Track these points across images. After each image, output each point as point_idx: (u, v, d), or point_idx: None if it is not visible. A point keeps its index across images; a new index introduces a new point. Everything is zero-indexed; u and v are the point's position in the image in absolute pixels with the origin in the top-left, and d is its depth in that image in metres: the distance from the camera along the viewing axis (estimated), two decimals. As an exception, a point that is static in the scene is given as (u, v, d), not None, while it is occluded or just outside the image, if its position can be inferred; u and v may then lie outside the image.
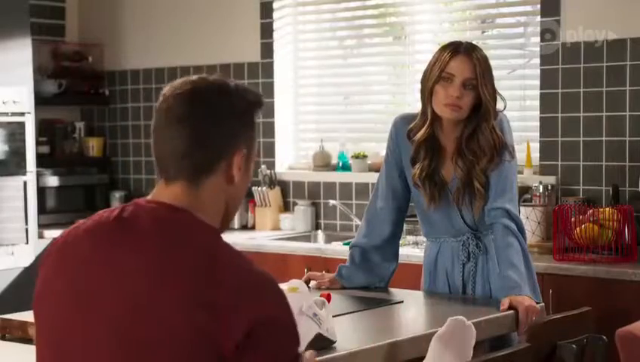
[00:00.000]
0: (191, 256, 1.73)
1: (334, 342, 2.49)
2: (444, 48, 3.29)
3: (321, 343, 2.45)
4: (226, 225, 1.91)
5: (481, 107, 3.23)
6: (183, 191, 1.82)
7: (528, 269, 3.22)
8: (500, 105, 3.32)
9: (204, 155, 1.82)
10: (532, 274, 3.27)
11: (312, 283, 3.44)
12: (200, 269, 1.71)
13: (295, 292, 2.43)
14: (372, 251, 3.47)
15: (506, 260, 3.17)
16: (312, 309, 2.45)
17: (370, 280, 3.47)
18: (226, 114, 1.83)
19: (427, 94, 3.27)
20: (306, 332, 2.39)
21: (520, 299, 3.06)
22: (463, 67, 3.22)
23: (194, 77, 1.88)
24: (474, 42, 3.39)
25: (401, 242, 3.57)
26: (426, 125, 3.28)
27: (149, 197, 1.86)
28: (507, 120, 3.34)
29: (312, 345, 2.38)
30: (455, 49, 3.25)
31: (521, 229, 3.25)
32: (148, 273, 1.72)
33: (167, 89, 1.86)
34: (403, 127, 3.38)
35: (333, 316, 2.70)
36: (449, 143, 3.32)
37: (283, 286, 2.44)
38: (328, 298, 2.62)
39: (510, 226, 3.20)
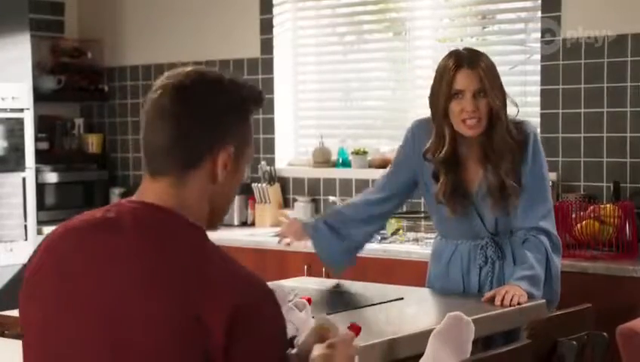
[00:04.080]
0: (175, 259, 1.70)
1: None
2: (446, 61, 3.24)
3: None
4: (213, 225, 1.85)
5: (493, 114, 3.22)
6: (167, 187, 1.79)
7: (548, 271, 3.24)
8: (512, 109, 3.31)
9: (187, 151, 1.78)
10: (551, 278, 3.27)
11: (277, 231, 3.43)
12: (184, 272, 1.69)
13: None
14: (348, 222, 3.44)
15: (524, 261, 3.21)
16: (290, 312, 2.42)
17: (334, 244, 3.44)
18: (213, 110, 1.78)
19: (441, 113, 3.23)
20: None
21: (505, 286, 3.11)
22: (469, 80, 3.19)
23: (189, 69, 1.83)
24: (476, 42, 3.40)
25: (401, 239, 3.56)
26: (446, 146, 3.24)
27: (133, 197, 1.83)
28: (537, 137, 3.32)
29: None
30: (458, 62, 3.21)
31: (556, 247, 3.29)
32: (133, 276, 1.70)
33: (161, 78, 1.83)
34: (420, 131, 3.36)
35: (334, 312, 2.69)
36: (473, 150, 3.29)
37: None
38: (309, 301, 2.60)
39: (546, 244, 3.23)
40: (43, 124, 5.94)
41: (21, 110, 5.31)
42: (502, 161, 3.23)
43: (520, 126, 3.29)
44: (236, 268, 1.73)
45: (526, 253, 3.20)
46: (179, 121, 1.77)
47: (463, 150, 3.29)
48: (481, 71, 3.19)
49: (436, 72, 3.27)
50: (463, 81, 3.19)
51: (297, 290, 2.52)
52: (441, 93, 3.21)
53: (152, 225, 1.75)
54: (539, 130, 4.72)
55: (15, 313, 2.81)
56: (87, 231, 1.79)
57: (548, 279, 3.24)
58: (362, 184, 5.23)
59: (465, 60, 3.21)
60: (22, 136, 5.30)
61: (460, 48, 3.31)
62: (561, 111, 4.66)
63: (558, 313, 2.98)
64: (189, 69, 1.83)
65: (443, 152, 3.25)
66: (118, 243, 1.74)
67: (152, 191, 1.81)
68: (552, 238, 3.27)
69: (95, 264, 1.74)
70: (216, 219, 1.86)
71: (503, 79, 3.94)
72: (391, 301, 3.20)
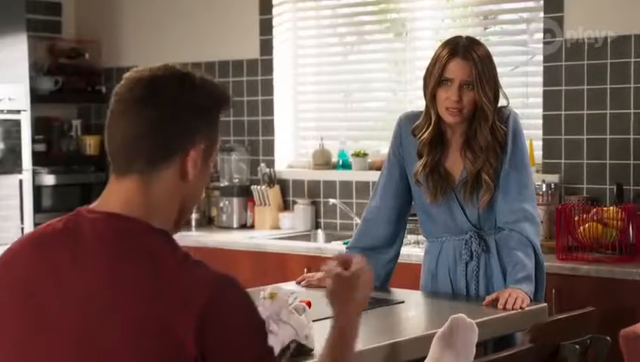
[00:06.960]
0: (138, 271, 1.66)
1: (312, 350, 2.43)
2: (443, 47, 3.28)
3: (298, 350, 2.39)
4: (179, 226, 1.82)
5: (477, 108, 3.22)
6: (134, 187, 1.74)
7: (537, 269, 3.21)
8: (502, 101, 3.30)
9: (157, 144, 1.73)
10: (541, 275, 3.25)
11: (302, 282, 3.41)
12: (148, 283, 1.65)
13: (274, 298, 2.39)
14: (365, 251, 3.41)
15: (516, 261, 3.19)
16: (290, 315, 2.39)
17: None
18: (185, 106, 1.74)
19: (430, 96, 3.27)
20: (283, 339, 2.35)
21: (507, 289, 3.10)
22: (459, 71, 3.22)
23: (159, 65, 1.79)
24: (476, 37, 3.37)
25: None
26: (431, 127, 3.27)
27: (94, 204, 1.78)
28: (518, 120, 3.31)
29: (288, 352, 2.34)
30: (453, 50, 3.24)
31: (537, 229, 3.27)
32: (97, 291, 1.66)
33: (129, 74, 1.78)
34: (407, 126, 3.37)
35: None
36: (456, 137, 3.30)
37: (262, 292, 2.41)
38: (309, 304, 2.57)
39: (530, 236, 3.21)
40: (40, 126, 5.90)
41: (18, 112, 5.29)
42: (482, 157, 3.23)
43: (500, 113, 3.28)
44: (200, 269, 1.69)
45: (516, 252, 3.20)
46: (150, 115, 1.72)
47: (448, 136, 3.31)
48: (473, 63, 3.20)
49: (434, 54, 3.31)
50: (454, 70, 3.21)
51: (297, 294, 2.49)
52: (432, 77, 3.25)
53: (113, 237, 1.70)
54: (541, 131, 4.69)
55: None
56: (47, 248, 1.74)
57: (538, 269, 3.24)
58: (363, 186, 5.20)
59: (460, 50, 3.23)
60: (19, 138, 5.29)
61: (463, 36, 3.31)
62: (563, 112, 4.63)
63: (561, 316, 2.96)
64: (158, 65, 1.78)
65: (426, 133, 3.28)
66: (80, 257, 1.69)
67: (117, 193, 1.76)
68: (530, 218, 3.25)
69: (58, 279, 1.69)
70: (183, 219, 1.82)
71: (505, 80, 3.95)
72: (392, 304, 3.17)
